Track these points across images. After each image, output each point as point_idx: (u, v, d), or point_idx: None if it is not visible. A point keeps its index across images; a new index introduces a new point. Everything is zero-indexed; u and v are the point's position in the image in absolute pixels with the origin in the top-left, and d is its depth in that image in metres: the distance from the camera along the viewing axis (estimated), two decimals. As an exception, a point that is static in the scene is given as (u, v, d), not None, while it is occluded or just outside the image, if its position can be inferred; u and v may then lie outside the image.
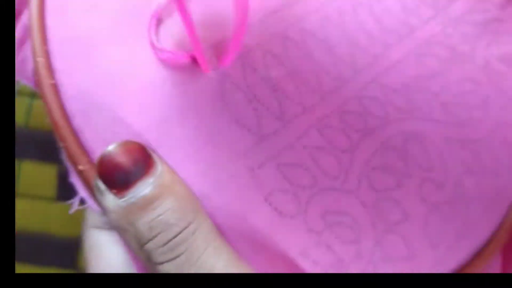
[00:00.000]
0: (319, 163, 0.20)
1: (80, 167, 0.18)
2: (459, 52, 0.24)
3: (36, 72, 0.20)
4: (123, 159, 0.16)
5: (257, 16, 0.20)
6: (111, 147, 0.17)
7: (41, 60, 0.19)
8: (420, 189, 0.21)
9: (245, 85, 0.20)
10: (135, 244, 0.17)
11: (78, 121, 0.19)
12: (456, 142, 0.23)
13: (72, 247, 0.35)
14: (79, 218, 0.35)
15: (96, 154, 0.18)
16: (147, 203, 0.16)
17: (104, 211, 0.17)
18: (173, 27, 0.20)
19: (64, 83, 0.19)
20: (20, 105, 0.35)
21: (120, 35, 0.19)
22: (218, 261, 0.17)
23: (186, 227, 0.16)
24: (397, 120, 0.22)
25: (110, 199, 0.16)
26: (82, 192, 0.19)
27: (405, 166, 0.21)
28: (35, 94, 0.36)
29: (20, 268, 0.34)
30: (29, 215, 0.35)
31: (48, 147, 0.35)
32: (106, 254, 0.19)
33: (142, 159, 0.17)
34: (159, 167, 0.17)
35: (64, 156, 0.20)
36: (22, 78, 0.23)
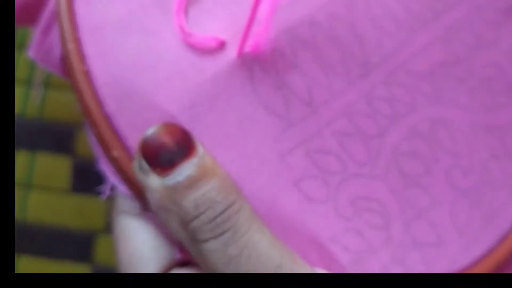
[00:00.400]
0: (347, 149, 0.20)
1: (115, 153, 0.18)
2: (483, 38, 0.24)
3: (66, 59, 0.20)
4: (167, 139, 0.17)
5: (284, 0, 0.20)
6: (154, 128, 0.17)
7: (72, 46, 0.19)
8: (447, 175, 0.21)
9: (273, 70, 0.19)
10: (179, 223, 0.17)
11: (110, 108, 0.19)
12: (482, 128, 0.23)
13: (87, 240, 0.35)
14: (94, 210, 0.35)
15: (129, 140, 0.18)
16: (192, 182, 0.16)
17: (147, 191, 0.17)
18: (199, 13, 0.20)
19: (96, 69, 0.19)
20: (34, 96, 0.35)
21: (148, 21, 0.19)
22: (262, 239, 0.17)
23: (231, 205, 0.17)
24: (424, 106, 0.21)
25: (154, 179, 0.17)
26: (112, 178, 0.20)
27: (432, 152, 0.21)
28: (49, 85, 0.36)
29: (34, 262, 0.34)
30: (43, 207, 0.35)
31: (62, 138, 0.35)
32: (135, 239, 0.20)
33: (185, 141, 0.17)
34: (200, 149, 0.17)
35: (94, 143, 0.20)
36: (48, 66, 0.24)
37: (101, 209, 0.34)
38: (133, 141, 0.18)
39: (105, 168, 0.20)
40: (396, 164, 0.21)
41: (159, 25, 0.19)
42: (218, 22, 0.19)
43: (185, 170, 0.17)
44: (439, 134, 0.22)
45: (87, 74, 0.19)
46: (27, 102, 0.35)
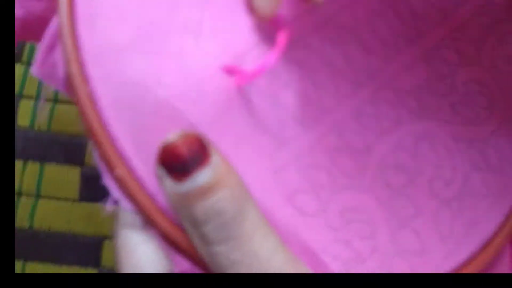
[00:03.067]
0: (337, 163, 0.21)
1: (117, 171, 0.19)
2: (466, 55, 0.25)
3: (70, 80, 0.20)
4: (183, 148, 0.17)
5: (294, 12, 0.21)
6: (173, 136, 0.18)
7: (75, 68, 0.19)
8: (430, 186, 0.22)
9: (268, 90, 0.20)
10: (189, 224, 0.18)
11: (114, 129, 0.19)
12: (463, 141, 0.24)
13: (95, 246, 0.36)
14: (101, 219, 0.36)
15: (133, 161, 0.19)
16: (203, 191, 0.17)
17: (165, 195, 0.18)
18: (197, 36, 0.21)
19: (100, 91, 0.19)
20: (43, 109, 0.37)
21: (151, 45, 0.20)
22: (265, 245, 0.18)
23: (237, 214, 0.18)
24: (408, 122, 0.22)
25: (169, 185, 0.18)
26: (115, 193, 0.20)
27: (416, 164, 0.22)
28: (58, 99, 0.37)
29: (44, 268, 0.35)
30: (52, 215, 0.36)
31: (71, 150, 0.36)
32: (137, 253, 0.20)
33: (200, 150, 0.17)
34: (214, 158, 0.18)
35: (97, 161, 0.20)
36: (52, 84, 0.24)
37: (108, 216, 0.35)
38: (137, 162, 0.19)
39: (109, 183, 0.20)
40: (382, 176, 0.22)
41: (161, 48, 0.20)
42: (215, 46, 0.20)
43: (197, 179, 0.17)
44: (423, 148, 0.23)
45: (91, 95, 0.19)
46: (36, 115, 0.36)
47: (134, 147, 0.19)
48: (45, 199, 0.36)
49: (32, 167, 0.36)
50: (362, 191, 0.21)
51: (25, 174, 0.36)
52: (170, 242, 0.19)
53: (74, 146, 0.37)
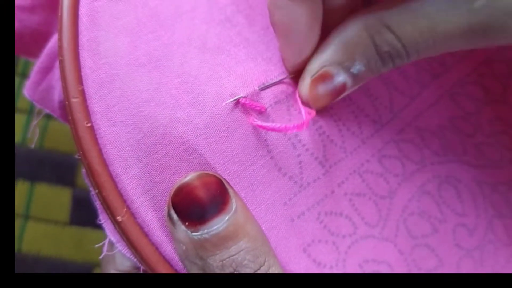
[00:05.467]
0: (359, 210, 0.19)
1: (118, 218, 0.17)
2: (491, 91, 0.23)
3: (70, 113, 0.18)
4: (201, 193, 0.15)
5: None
6: (189, 178, 0.16)
7: (76, 100, 0.17)
8: (453, 235, 0.21)
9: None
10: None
11: (115, 168, 0.17)
12: (488, 185, 0.22)
13: (84, 272, 0.34)
14: (91, 245, 0.34)
15: (135, 204, 0.17)
16: (221, 241, 0.15)
17: (174, 241, 0.16)
18: (214, 67, 0.18)
19: (101, 126, 0.17)
20: (36, 126, 0.35)
21: (159, 75, 0.18)
22: None
23: (257, 270, 0.16)
24: (432, 164, 0.21)
25: (182, 231, 0.15)
26: (112, 236, 0.18)
27: (439, 211, 0.21)
28: (51, 116, 0.35)
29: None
30: (42, 239, 0.34)
31: (63, 169, 0.34)
32: None
33: (219, 195, 0.15)
34: (233, 204, 0.16)
35: (97, 202, 0.18)
36: (46, 108, 0.22)
37: (100, 243, 0.33)
38: (138, 205, 0.17)
39: (105, 224, 0.18)
40: (405, 224, 0.20)
41: (169, 80, 0.18)
42: (234, 78, 0.18)
43: (215, 227, 0.15)
44: (446, 192, 0.21)
45: (92, 130, 0.17)
46: (27, 131, 0.34)
47: (139, 187, 0.17)
48: (34, 220, 0.34)
49: (22, 186, 0.34)
50: (384, 240, 0.19)
51: (16, 192, 0.33)
52: None
53: (66, 165, 0.35)
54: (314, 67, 0.17)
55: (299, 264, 0.18)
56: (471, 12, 0.15)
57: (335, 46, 0.17)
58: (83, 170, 0.18)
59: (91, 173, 0.17)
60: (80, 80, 0.18)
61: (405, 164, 0.20)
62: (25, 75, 0.35)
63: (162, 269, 0.17)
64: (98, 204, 0.18)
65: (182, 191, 0.15)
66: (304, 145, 0.18)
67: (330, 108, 0.19)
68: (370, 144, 0.20)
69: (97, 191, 0.17)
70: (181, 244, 0.16)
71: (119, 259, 0.19)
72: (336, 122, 0.19)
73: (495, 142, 0.23)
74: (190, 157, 0.17)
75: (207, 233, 0.15)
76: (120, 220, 0.17)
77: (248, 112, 0.18)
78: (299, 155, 0.18)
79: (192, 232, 0.15)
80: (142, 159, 0.17)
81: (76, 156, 0.18)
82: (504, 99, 0.24)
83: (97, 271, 0.33)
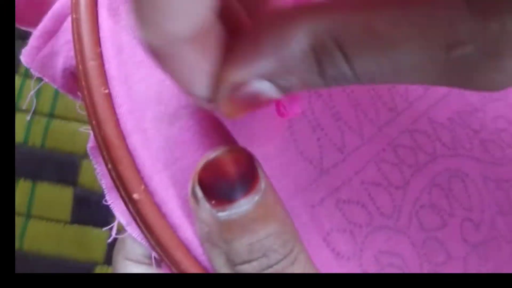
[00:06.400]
0: (375, 199, 0.19)
1: (135, 196, 0.15)
2: None
3: (84, 77, 0.16)
4: (231, 169, 0.14)
5: None
6: (220, 152, 0.14)
7: (93, 64, 0.16)
8: (461, 229, 0.21)
9: (310, 111, 0.18)
10: (224, 261, 0.15)
11: (134, 140, 0.15)
12: (492, 182, 0.22)
13: (86, 271, 0.34)
14: (93, 242, 0.34)
15: (154, 181, 0.15)
16: (250, 222, 0.14)
17: (196, 220, 0.15)
18: None
19: (120, 94, 0.16)
20: (37, 125, 0.34)
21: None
22: None
23: (287, 256, 0.14)
24: (443, 156, 0.21)
25: (207, 210, 0.14)
26: (123, 219, 0.17)
27: (449, 204, 0.21)
28: (53, 114, 0.35)
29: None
30: (43, 237, 0.34)
31: (64, 168, 0.34)
32: None
33: (249, 173, 0.14)
34: (263, 184, 0.14)
35: (102, 176, 0.17)
36: (45, 76, 0.20)
37: (101, 242, 0.33)
38: (158, 182, 0.15)
39: (114, 205, 0.17)
40: (417, 216, 0.20)
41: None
42: None
43: (243, 207, 0.14)
44: (455, 186, 0.21)
45: (109, 97, 0.16)
46: (29, 130, 0.34)
47: (159, 163, 0.16)
48: (36, 219, 0.34)
49: (24, 185, 0.34)
50: (398, 232, 0.19)
51: (17, 191, 0.33)
52: None
53: (68, 164, 0.34)
54: (237, 78, 0.13)
55: (319, 254, 0.17)
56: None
57: (270, 61, 0.13)
58: (90, 145, 0.17)
59: (106, 145, 0.15)
60: (98, 41, 0.16)
61: (418, 155, 0.20)
62: (27, 76, 0.35)
63: (180, 254, 0.15)
64: (106, 183, 0.17)
65: (211, 166, 0.14)
66: (322, 129, 0.18)
67: (348, 92, 0.19)
68: (386, 132, 0.20)
69: (111, 166, 0.16)
70: (204, 225, 0.14)
71: (129, 246, 0.18)
72: (355, 108, 0.19)
73: (498, 139, 0.23)
74: (214, 133, 0.16)
75: (235, 213, 0.14)
76: (137, 198, 0.15)
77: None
78: (318, 139, 0.18)
79: (218, 212, 0.14)
80: (163, 132, 0.16)
81: (82, 129, 0.17)
82: (505, 97, 0.24)
83: (98, 269, 0.33)
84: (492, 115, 0.23)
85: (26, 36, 0.19)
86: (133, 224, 0.16)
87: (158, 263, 0.17)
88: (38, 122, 0.35)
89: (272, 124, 0.17)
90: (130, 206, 0.16)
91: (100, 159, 0.16)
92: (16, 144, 0.34)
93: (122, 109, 0.16)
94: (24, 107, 0.35)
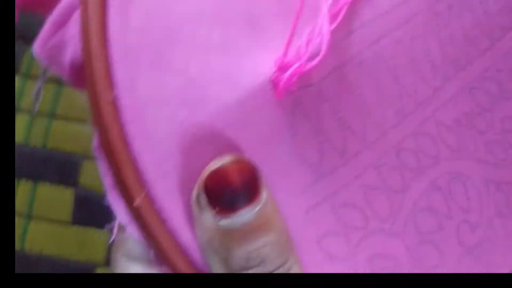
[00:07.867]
0: (372, 203, 0.19)
1: (137, 203, 0.15)
2: (505, 89, 0.23)
3: (89, 79, 0.16)
4: (236, 179, 0.15)
5: (333, 37, 0.18)
6: (226, 161, 0.15)
7: (99, 66, 0.15)
8: (457, 231, 0.21)
9: (315, 115, 0.18)
10: (222, 267, 0.15)
11: (137, 147, 0.15)
12: (493, 184, 0.22)
13: (86, 272, 0.33)
14: (94, 244, 0.34)
15: (155, 188, 0.16)
16: (251, 231, 0.15)
17: (198, 226, 0.15)
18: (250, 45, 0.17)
19: (126, 100, 0.16)
20: (39, 124, 0.34)
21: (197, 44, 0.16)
22: None
23: (282, 265, 0.15)
24: (446, 159, 0.21)
25: (209, 218, 0.15)
26: (123, 218, 0.17)
27: (447, 207, 0.21)
28: (55, 114, 0.35)
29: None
30: (44, 238, 0.33)
31: (65, 169, 0.34)
32: None
33: (252, 183, 0.15)
34: (264, 194, 0.15)
35: (104, 174, 0.17)
36: (55, 67, 0.20)
37: (102, 242, 0.33)
38: (159, 189, 0.16)
39: (115, 204, 0.17)
40: (414, 220, 0.20)
41: (208, 53, 0.16)
42: (269, 56, 0.17)
43: (244, 216, 0.15)
44: (455, 188, 0.21)
45: (114, 101, 0.15)
46: (30, 131, 0.34)
47: (162, 170, 0.16)
48: (36, 220, 0.33)
49: (25, 186, 0.34)
50: (393, 236, 0.19)
51: (18, 192, 0.33)
52: None
53: (69, 165, 0.34)
54: None
55: (313, 257, 0.18)
56: None
57: None
58: (94, 143, 0.17)
59: (109, 150, 0.16)
60: (105, 43, 0.16)
61: (420, 159, 0.20)
62: (28, 75, 0.35)
63: (179, 259, 0.16)
64: (107, 181, 0.17)
65: (217, 174, 0.15)
66: (325, 133, 0.18)
67: (356, 94, 0.19)
68: (390, 136, 0.20)
69: (113, 170, 0.16)
70: (206, 232, 0.15)
71: (130, 243, 0.19)
72: (359, 110, 0.19)
73: (503, 140, 0.23)
74: (218, 139, 0.16)
75: (236, 220, 0.15)
76: (138, 205, 0.16)
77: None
78: (320, 143, 0.18)
79: (220, 220, 0.15)
80: (167, 139, 0.16)
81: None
82: None
83: (99, 270, 0.33)
84: (500, 115, 0.23)
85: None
86: (134, 224, 0.17)
87: (156, 262, 0.17)
88: (40, 122, 0.34)
89: (274, 126, 0.17)
90: (132, 212, 0.16)
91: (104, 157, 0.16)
92: (16, 145, 0.34)
93: (127, 113, 0.16)
94: (24, 107, 0.34)
